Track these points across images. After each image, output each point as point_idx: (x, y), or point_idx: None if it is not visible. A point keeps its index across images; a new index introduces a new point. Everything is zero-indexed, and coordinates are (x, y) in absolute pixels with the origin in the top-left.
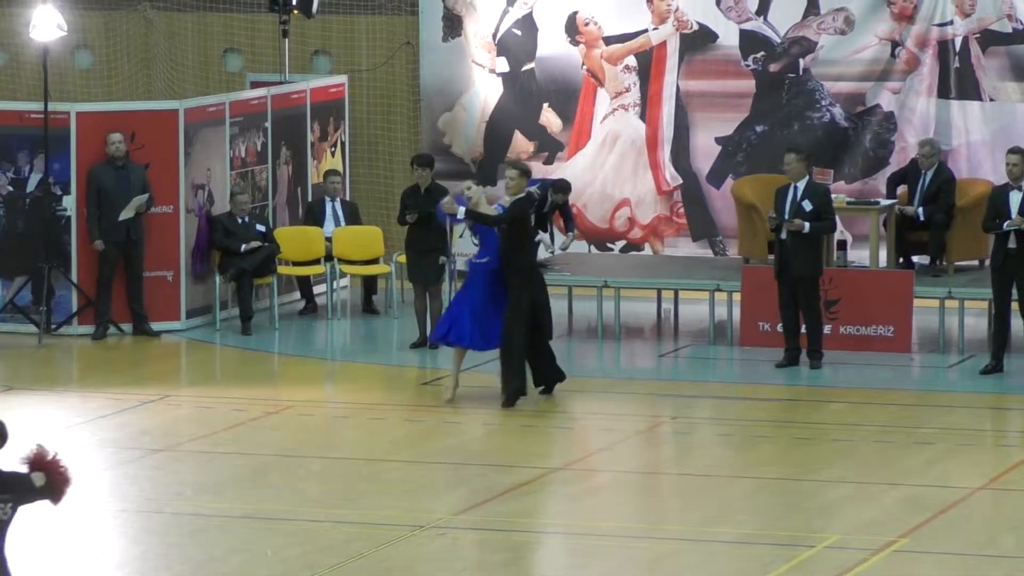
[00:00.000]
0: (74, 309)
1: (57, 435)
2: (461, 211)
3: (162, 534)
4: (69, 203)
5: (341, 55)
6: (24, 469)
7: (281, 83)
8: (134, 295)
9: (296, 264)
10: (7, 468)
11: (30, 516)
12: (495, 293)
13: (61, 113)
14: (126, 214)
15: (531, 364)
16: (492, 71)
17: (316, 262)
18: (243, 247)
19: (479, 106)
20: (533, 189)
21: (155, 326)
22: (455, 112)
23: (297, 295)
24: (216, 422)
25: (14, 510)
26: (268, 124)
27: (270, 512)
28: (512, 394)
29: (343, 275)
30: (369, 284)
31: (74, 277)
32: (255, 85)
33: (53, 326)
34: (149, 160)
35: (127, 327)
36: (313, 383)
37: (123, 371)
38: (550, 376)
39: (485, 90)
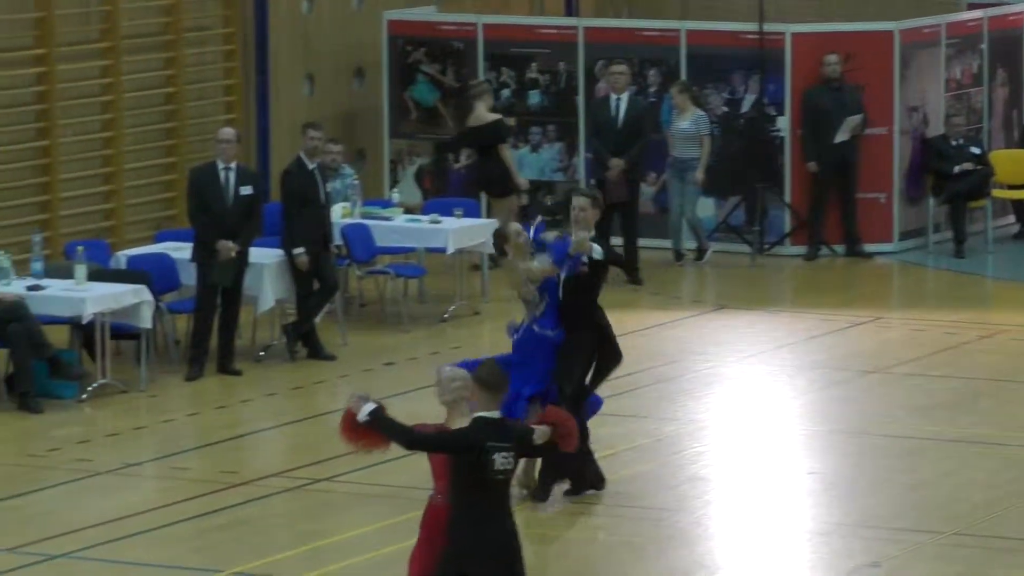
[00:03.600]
0: (787, 230)
1: (767, 355)
2: (599, 252)
3: (873, 456)
4: (783, 124)
5: None
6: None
7: (999, 4)
8: (847, 217)
9: (1011, 187)
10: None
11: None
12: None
13: (776, 34)
14: (841, 136)
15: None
16: None
17: None
18: (956, 169)
19: None
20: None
21: (868, 247)
22: None
23: (1012, 219)
24: (928, 345)
25: (515, 460)
26: (984, 46)
27: (981, 436)
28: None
29: None
30: None
31: (787, 198)
32: (971, 7)
33: (766, 246)
34: (864, 82)
35: (839, 248)
36: None
37: (835, 292)
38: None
39: None
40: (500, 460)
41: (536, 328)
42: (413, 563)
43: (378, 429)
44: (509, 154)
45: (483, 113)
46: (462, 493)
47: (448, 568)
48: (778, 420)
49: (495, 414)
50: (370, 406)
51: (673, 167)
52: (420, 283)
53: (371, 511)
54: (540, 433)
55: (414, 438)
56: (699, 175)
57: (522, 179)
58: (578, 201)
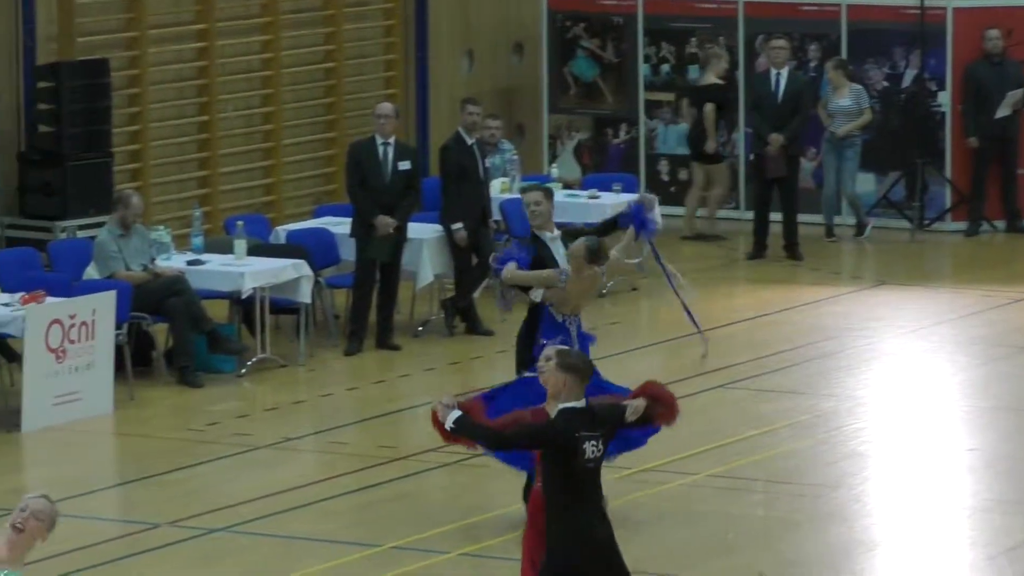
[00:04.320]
0: (947, 205)
1: (927, 331)
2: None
3: None
4: (944, 99)
5: None
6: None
7: None
8: (1008, 192)
9: None
10: (599, 403)
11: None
12: None
13: (938, 9)
14: (1002, 111)
15: None
16: None
17: None
18: None
19: None
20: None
21: None
22: None
23: None
24: None
25: (604, 446)
26: None
27: None
28: None
29: None
30: None
31: (948, 173)
32: None
33: (926, 222)
34: None
35: (1000, 224)
36: None
37: (995, 268)
38: None
39: None
40: (590, 449)
41: (584, 330)
42: (525, 549)
43: (465, 436)
44: (711, 117)
45: (708, 76)
46: (554, 484)
47: (550, 560)
48: (938, 396)
49: (581, 403)
50: (455, 414)
51: (830, 142)
52: None
53: None
54: (633, 409)
55: (500, 439)
56: (842, 130)
57: (711, 143)
58: (531, 196)
